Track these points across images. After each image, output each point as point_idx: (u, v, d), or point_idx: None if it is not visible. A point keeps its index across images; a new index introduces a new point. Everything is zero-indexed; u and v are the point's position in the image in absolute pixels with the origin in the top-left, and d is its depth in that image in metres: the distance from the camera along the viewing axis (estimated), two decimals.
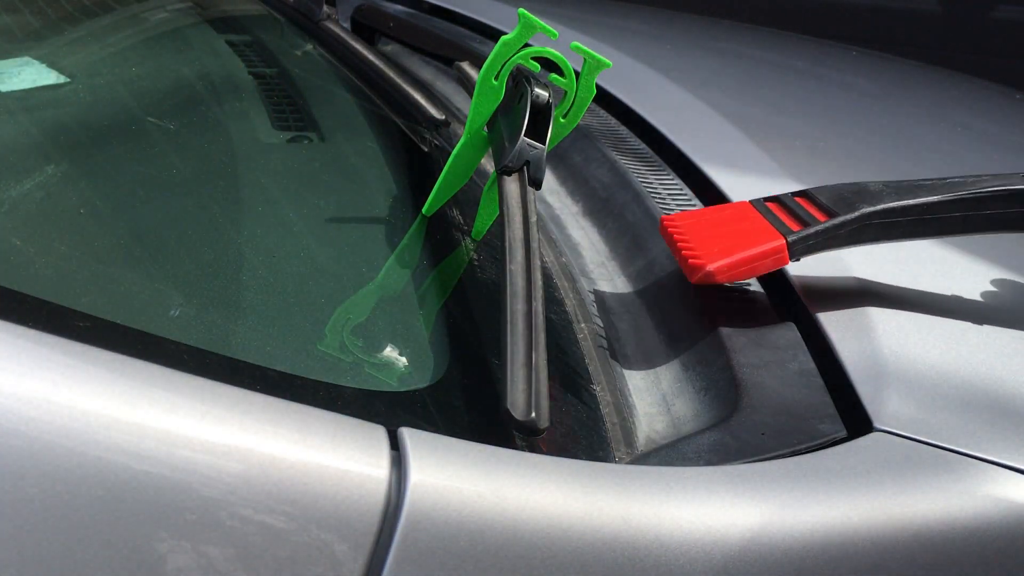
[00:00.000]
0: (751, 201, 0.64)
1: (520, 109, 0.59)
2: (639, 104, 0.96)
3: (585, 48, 0.58)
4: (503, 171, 0.58)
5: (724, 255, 0.58)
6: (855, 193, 0.60)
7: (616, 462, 0.51)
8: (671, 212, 0.73)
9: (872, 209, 0.57)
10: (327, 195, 0.70)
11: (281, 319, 0.52)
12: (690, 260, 0.60)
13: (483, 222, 0.67)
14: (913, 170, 0.69)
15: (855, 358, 0.55)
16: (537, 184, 0.58)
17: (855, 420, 0.51)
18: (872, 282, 0.63)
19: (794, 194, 0.63)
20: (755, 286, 0.64)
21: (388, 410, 0.48)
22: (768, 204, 0.63)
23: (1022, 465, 0.48)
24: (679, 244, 0.62)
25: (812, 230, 0.58)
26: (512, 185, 0.57)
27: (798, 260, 0.58)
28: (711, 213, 0.66)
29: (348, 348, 0.51)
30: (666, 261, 0.67)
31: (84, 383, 0.35)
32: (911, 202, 0.58)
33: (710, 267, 0.58)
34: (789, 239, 0.58)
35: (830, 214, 0.59)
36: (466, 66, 0.93)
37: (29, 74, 0.77)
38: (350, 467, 0.37)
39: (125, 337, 0.45)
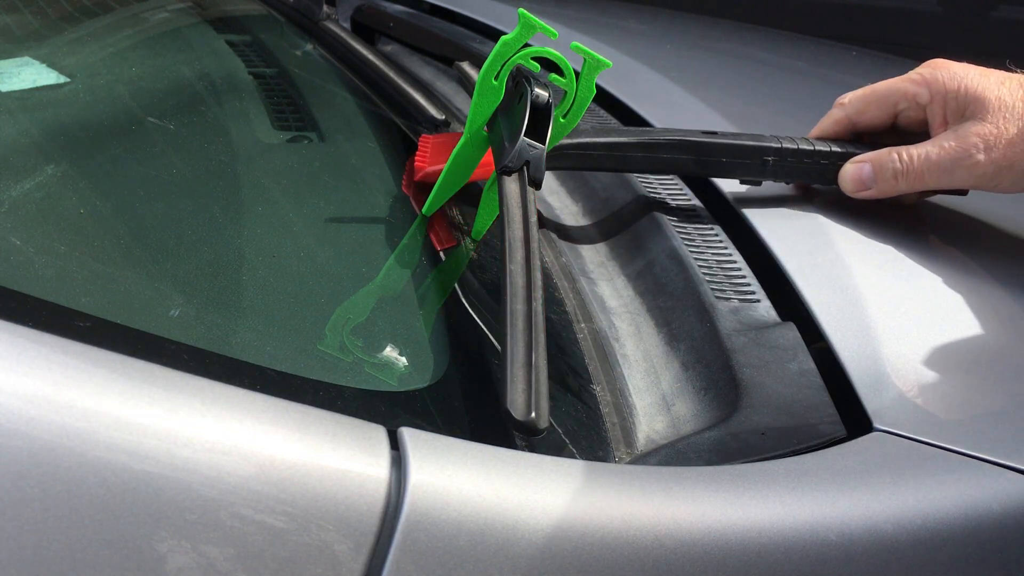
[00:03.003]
0: None
1: (520, 109, 0.59)
2: (639, 104, 0.96)
3: (585, 48, 0.58)
4: (503, 171, 0.58)
5: (441, 161, 0.67)
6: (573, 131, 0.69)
7: (616, 462, 0.51)
8: (672, 212, 0.73)
9: (569, 142, 0.68)
10: (327, 195, 0.70)
11: (281, 319, 0.52)
12: (417, 163, 0.70)
13: (483, 222, 0.67)
14: None
15: (855, 358, 0.55)
16: (537, 184, 0.58)
17: (855, 420, 0.51)
18: (872, 283, 0.63)
19: None
20: (755, 286, 0.64)
21: (388, 410, 0.48)
22: None
23: (1022, 465, 0.48)
24: (417, 153, 0.71)
25: None
26: (512, 185, 0.57)
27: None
28: (455, 135, 0.73)
29: (348, 348, 0.51)
30: (666, 261, 0.67)
31: (84, 383, 0.35)
32: (601, 140, 0.69)
33: (429, 169, 0.69)
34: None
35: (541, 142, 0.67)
36: (466, 66, 0.93)
37: (29, 74, 0.77)
38: (350, 467, 0.37)
39: (125, 337, 0.45)
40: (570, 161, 0.70)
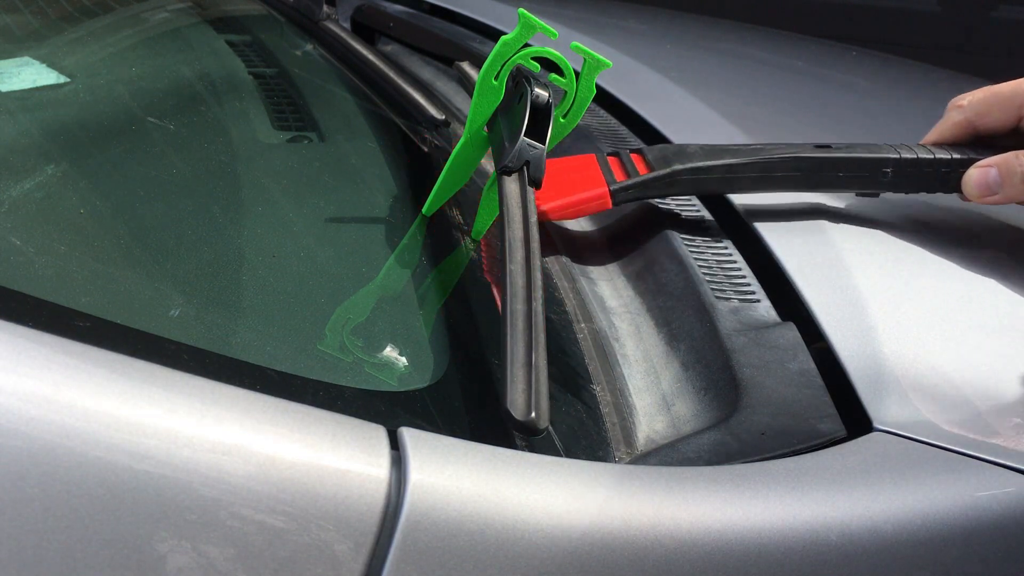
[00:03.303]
0: (596, 155, 0.73)
1: (520, 109, 0.59)
2: (639, 104, 0.96)
3: (585, 48, 0.58)
4: (503, 171, 0.58)
5: (557, 197, 0.69)
6: (675, 153, 0.70)
7: (616, 462, 0.51)
8: (670, 212, 0.73)
9: (682, 167, 0.68)
10: (327, 195, 0.70)
11: (281, 319, 0.52)
12: (539, 201, 0.69)
13: (483, 222, 0.67)
14: None
15: (855, 358, 0.55)
16: (537, 184, 0.58)
17: (855, 420, 0.51)
18: (873, 283, 0.63)
19: (631, 151, 0.72)
20: (755, 286, 0.64)
21: (388, 410, 0.48)
22: (609, 158, 0.72)
23: (1022, 465, 0.48)
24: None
25: (631, 181, 0.68)
26: (512, 185, 0.57)
27: (619, 205, 0.69)
28: (560, 162, 0.73)
29: (348, 348, 0.51)
30: (666, 261, 0.67)
31: (84, 383, 0.35)
32: (715, 162, 0.68)
33: (544, 208, 0.68)
34: (612, 187, 0.68)
35: (651, 169, 0.69)
36: (466, 66, 0.93)
37: (29, 74, 0.77)
38: (350, 467, 0.37)
39: (125, 337, 0.45)
40: (683, 187, 0.69)
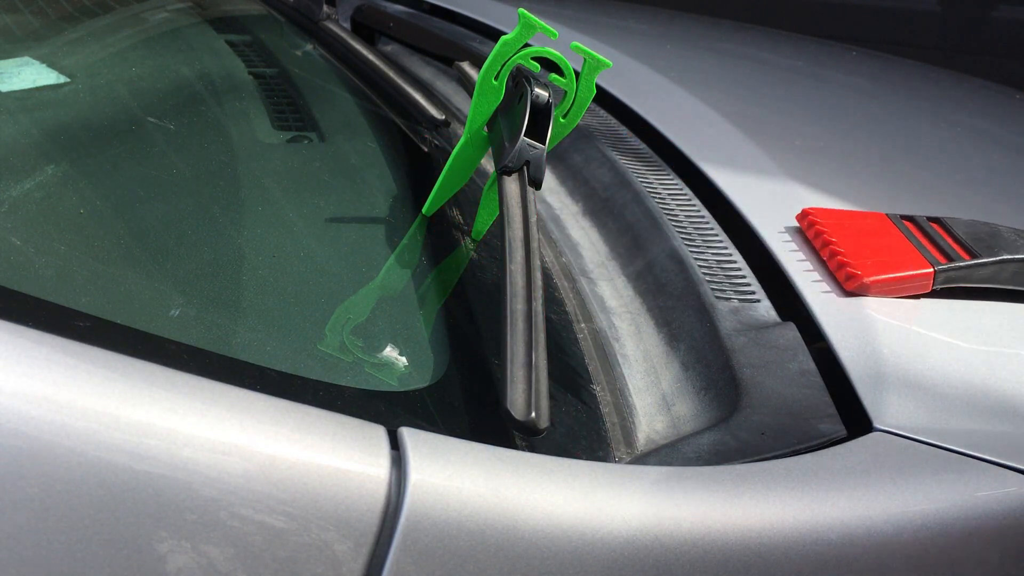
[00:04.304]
0: (888, 215, 0.68)
1: (520, 109, 0.59)
2: (639, 104, 0.96)
3: (585, 48, 0.58)
4: (503, 171, 0.58)
5: (879, 270, 0.62)
6: (990, 236, 0.65)
7: (616, 462, 0.51)
8: (672, 212, 0.73)
9: (1010, 257, 0.63)
10: (327, 195, 0.70)
11: (281, 319, 0.52)
12: (848, 268, 0.63)
13: (483, 222, 0.67)
14: (913, 170, 0.70)
15: (855, 358, 0.55)
16: (537, 184, 0.58)
17: (855, 420, 0.51)
18: None
19: (929, 219, 0.67)
20: (755, 286, 0.64)
21: (388, 410, 0.48)
22: (906, 223, 0.67)
23: (1022, 465, 0.48)
24: (830, 245, 0.65)
25: (956, 265, 0.62)
26: (512, 185, 0.57)
27: (936, 289, 0.62)
28: (850, 219, 0.69)
29: (348, 348, 0.51)
30: (666, 261, 0.67)
31: (84, 383, 0.35)
32: None
33: (867, 279, 0.61)
34: (936, 268, 0.62)
35: (969, 251, 0.63)
36: (466, 66, 0.93)
37: (29, 74, 0.77)
38: (350, 467, 0.37)
39: (125, 337, 0.45)
40: (1007, 277, 0.64)
